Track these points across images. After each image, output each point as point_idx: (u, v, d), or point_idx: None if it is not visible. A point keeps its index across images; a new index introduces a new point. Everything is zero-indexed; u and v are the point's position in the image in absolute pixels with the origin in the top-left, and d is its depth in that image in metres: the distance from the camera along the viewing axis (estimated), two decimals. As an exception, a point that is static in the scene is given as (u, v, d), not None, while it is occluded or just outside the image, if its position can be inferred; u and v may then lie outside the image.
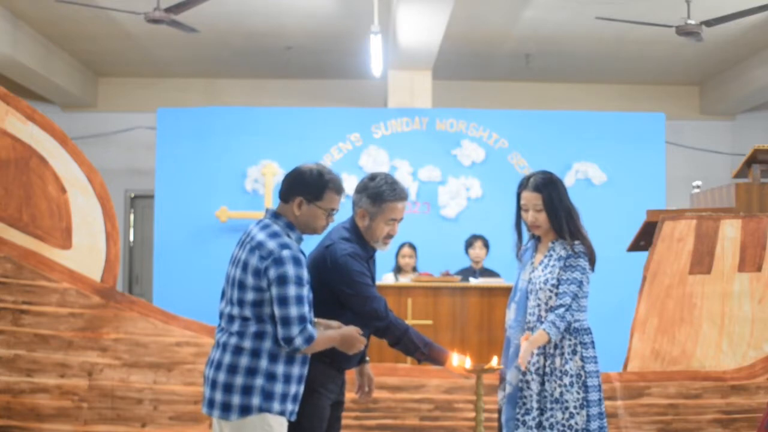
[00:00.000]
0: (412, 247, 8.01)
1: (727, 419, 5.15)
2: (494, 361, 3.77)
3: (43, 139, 4.97)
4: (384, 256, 8.21)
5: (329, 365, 3.54)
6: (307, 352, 3.27)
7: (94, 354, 4.92)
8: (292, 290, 3.15)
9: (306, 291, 3.21)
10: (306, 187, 3.31)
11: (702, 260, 5.25)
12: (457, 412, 5.09)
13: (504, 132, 9.50)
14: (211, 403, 3.23)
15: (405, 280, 7.48)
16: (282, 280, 3.15)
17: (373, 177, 3.70)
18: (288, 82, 11.64)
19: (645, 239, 5.71)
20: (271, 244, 3.20)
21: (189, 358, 4.96)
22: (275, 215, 3.34)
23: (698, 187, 6.88)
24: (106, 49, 10.36)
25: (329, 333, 3.35)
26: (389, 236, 3.69)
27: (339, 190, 3.37)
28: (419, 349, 3.65)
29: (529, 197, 3.94)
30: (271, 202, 8.96)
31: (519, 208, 4.01)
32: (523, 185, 3.98)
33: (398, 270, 7.91)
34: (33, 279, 4.89)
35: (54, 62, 10.24)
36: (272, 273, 3.15)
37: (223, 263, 3.44)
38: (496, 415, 4.14)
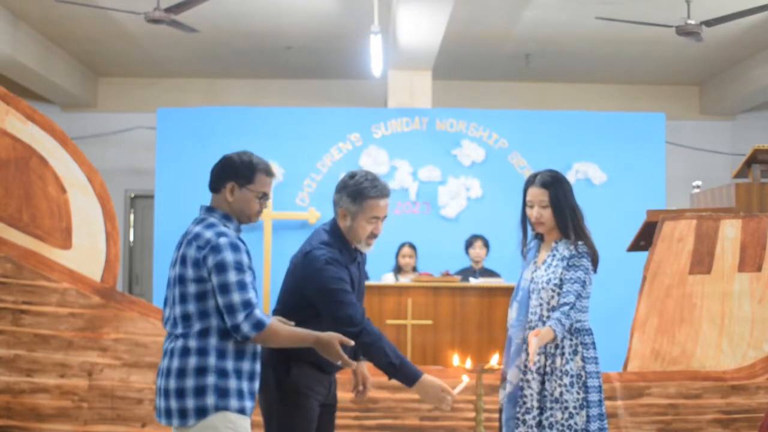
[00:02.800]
0: (412, 247, 8.02)
1: (727, 419, 5.15)
2: (494, 360, 3.77)
3: (43, 139, 4.97)
4: (384, 256, 8.26)
5: (313, 366, 3.45)
6: (265, 342, 3.15)
7: (94, 354, 4.92)
8: (232, 276, 3.06)
9: (249, 277, 3.11)
10: (236, 171, 3.23)
11: (702, 260, 5.25)
12: (457, 412, 5.09)
13: (504, 132, 9.50)
14: (168, 413, 3.10)
15: (405, 280, 7.49)
16: (221, 267, 3.06)
17: (352, 175, 3.56)
18: (288, 82, 11.64)
19: (645, 239, 5.71)
20: (208, 234, 3.13)
21: (189, 358, 4.95)
22: (209, 209, 3.27)
23: (698, 187, 6.88)
24: (106, 49, 10.36)
25: (301, 330, 3.22)
26: (373, 236, 3.55)
27: (269, 172, 3.28)
28: (390, 361, 3.40)
29: (536, 193, 3.94)
30: (271, 202, 8.97)
31: (525, 205, 4.01)
32: (530, 182, 3.99)
33: (398, 270, 7.92)
34: (33, 279, 4.89)
35: (54, 62, 10.24)
36: (210, 261, 3.07)
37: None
38: (496, 415, 4.14)
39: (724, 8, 7.90)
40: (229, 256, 3.08)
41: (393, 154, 9.39)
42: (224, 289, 3.06)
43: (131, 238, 11.80)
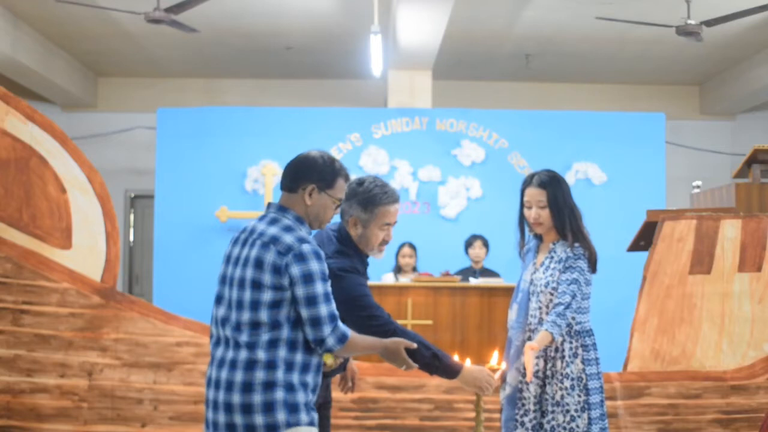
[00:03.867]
0: (412, 247, 8.02)
1: (727, 419, 5.15)
2: (494, 359, 3.76)
3: (43, 139, 4.97)
4: (384, 256, 8.24)
5: None
6: (342, 353, 3.05)
7: (94, 354, 4.92)
8: (319, 288, 2.91)
9: (330, 287, 2.99)
10: (319, 173, 3.05)
11: (702, 260, 5.25)
12: (457, 412, 5.09)
13: (504, 132, 9.50)
14: (231, 428, 2.93)
15: (405, 280, 7.48)
16: (308, 278, 2.90)
17: (361, 182, 3.48)
18: (288, 82, 11.65)
19: (645, 239, 5.71)
20: (288, 239, 2.94)
21: (189, 358, 4.96)
22: (282, 209, 3.06)
23: (698, 187, 6.89)
24: (106, 49, 10.37)
25: (372, 338, 3.16)
26: (384, 242, 3.51)
27: (348, 178, 3.14)
28: (434, 353, 3.35)
29: (533, 193, 3.93)
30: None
31: (522, 206, 4.00)
32: (527, 182, 3.97)
33: (398, 270, 7.92)
34: (33, 279, 4.89)
35: (54, 62, 10.24)
36: (295, 271, 2.90)
37: (224, 263, 3.39)
38: (496, 415, 4.15)
39: (724, 8, 7.90)
40: (315, 266, 2.92)
41: (393, 154, 9.39)
42: (311, 301, 2.92)
43: (131, 238, 11.81)
